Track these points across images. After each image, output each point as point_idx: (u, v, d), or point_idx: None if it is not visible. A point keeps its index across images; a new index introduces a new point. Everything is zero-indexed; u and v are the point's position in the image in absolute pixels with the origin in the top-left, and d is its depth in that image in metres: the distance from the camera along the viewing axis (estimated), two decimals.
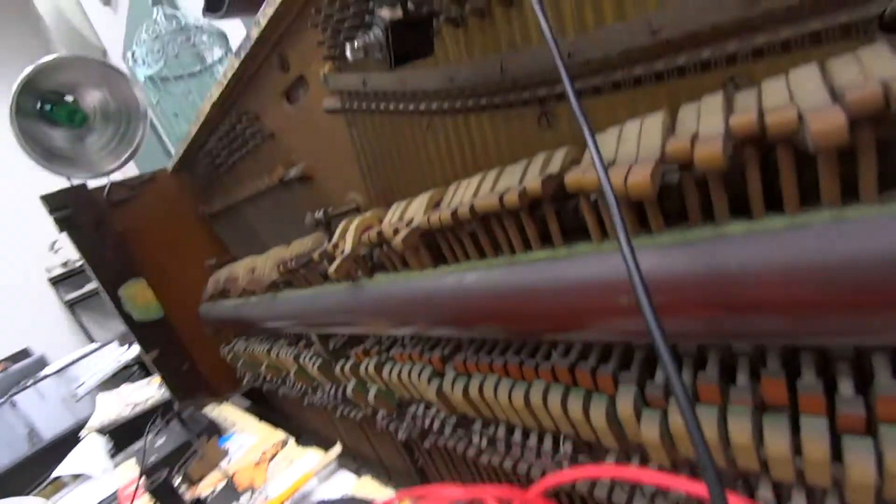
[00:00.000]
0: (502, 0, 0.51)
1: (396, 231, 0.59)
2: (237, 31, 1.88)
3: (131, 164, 1.51)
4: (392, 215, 0.69)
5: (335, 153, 0.88)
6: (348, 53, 0.48)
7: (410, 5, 0.48)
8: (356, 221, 0.68)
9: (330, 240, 0.84)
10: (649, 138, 0.38)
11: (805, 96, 0.33)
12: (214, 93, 1.04)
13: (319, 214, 0.85)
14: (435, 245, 0.60)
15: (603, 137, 0.46)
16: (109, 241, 1.45)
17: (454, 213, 0.51)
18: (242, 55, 0.89)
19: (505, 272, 0.47)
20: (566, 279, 0.40)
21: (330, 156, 0.90)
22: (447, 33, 0.59)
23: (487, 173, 0.57)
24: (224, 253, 1.56)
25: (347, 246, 0.67)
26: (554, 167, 0.48)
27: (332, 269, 0.64)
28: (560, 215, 0.48)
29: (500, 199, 0.46)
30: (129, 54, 1.65)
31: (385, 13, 0.48)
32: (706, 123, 0.36)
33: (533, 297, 0.42)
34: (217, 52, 1.68)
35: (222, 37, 1.64)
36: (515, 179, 0.51)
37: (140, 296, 1.45)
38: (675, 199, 0.39)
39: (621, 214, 0.27)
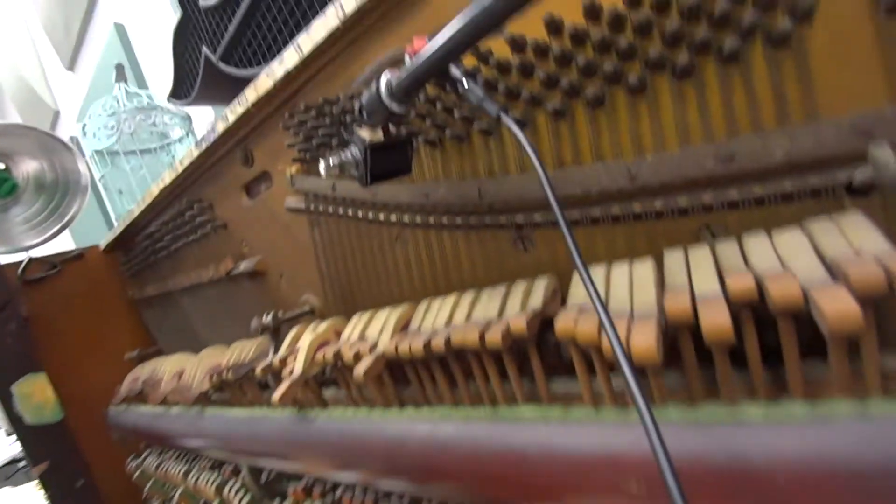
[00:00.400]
0: (482, 130, 0.51)
1: (358, 356, 0.52)
2: (202, 113, 1.88)
3: (69, 238, 1.37)
4: (352, 330, 0.62)
5: (293, 251, 0.83)
6: (322, 170, 0.45)
7: (392, 128, 0.47)
8: (309, 336, 0.61)
9: (277, 349, 0.76)
10: (643, 292, 0.36)
11: (800, 265, 0.32)
12: (167, 178, 0.98)
13: (268, 318, 0.76)
14: (400, 372, 0.53)
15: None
16: (11, 327, 1.25)
17: (427, 345, 0.46)
18: (204, 146, 0.85)
19: (487, 428, 0.41)
20: (561, 449, 0.35)
21: (287, 253, 0.84)
22: (425, 152, 0.58)
23: (461, 297, 0.53)
24: (149, 345, 1.39)
25: (298, 366, 0.59)
26: (536, 301, 0.45)
27: (276, 395, 0.55)
28: (540, 348, 0.44)
29: (481, 335, 0.42)
30: (80, 126, 1.57)
31: (365, 133, 0.46)
32: (701, 281, 0.34)
33: (520, 463, 0.36)
34: (178, 133, 1.65)
35: (186, 119, 1.61)
36: (493, 310, 0.47)
37: (37, 394, 1.23)
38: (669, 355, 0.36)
39: (643, 394, 0.23)
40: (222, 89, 1.02)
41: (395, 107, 0.41)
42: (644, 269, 0.39)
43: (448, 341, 0.45)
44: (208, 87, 1.09)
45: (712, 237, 0.46)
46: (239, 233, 0.94)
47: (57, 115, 3.93)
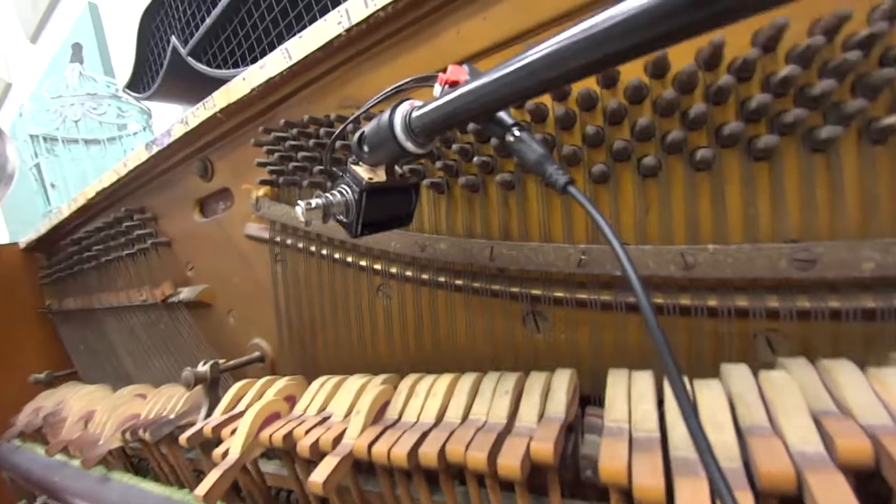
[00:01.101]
0: (504, 182, 0.42)
1: (316, 449, 0.41)
2: (168, 110, 1.71)
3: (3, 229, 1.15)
4: (311, 401, 0.50)
5: (248, 286, 0.70)
6: (300, 213, 0.34)
7: (399, 169, 0.37)
8: (256, 408, 0.48)
9: (212, 408, 0.62)
10: (720, 431, 0.27)
11: None
12: (105, 180, 0.83)
13: (204, 368, 0.62)
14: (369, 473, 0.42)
15: (616, 390, 0.35)
16: None
17: (413, 453, 0.35)
18: (155, 149, 0.72)
19: None
20: None
21: (240, 287, 0.71)
22: (427, 197, 0.49)
23: (458, 380, 0.43)
24: (63, 366, 1.18)
25: (234, 448, 0.46)
26: (557, 407, 0.36)
27: (201, 489, 0.42)
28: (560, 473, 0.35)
29: (491, 456, 0.32)
30: (20, 107, 1.38)
31: (362, 172, 0.36)
32: (792, 426, 0.26)
33: None
34: (135, 127, 1.48)
35: (144, 113, 1.45)
36: (502, 410, 0.37)
37: None
38: None
39: None
40: (188, 88, 0.89)
41: (410, 146, 0.31)
42: (711, 394, 0.30)
43: (442, 453, 0.34)
44: (172, 83, 0.96)
45: (770, 348, 0.38)
46: (185, 254, 0.80)
47: (9, 87, 3.59)
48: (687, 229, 0.38)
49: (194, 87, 0.86)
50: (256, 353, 0.70)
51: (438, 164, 0.45)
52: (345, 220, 0.37)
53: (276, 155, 0.56)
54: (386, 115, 0.31)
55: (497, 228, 0.45)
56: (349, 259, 0.55)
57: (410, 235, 0.49)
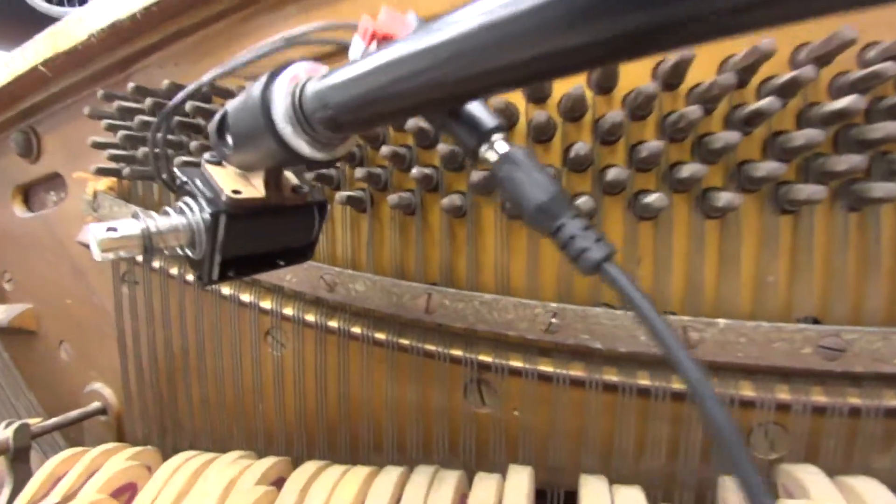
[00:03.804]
0: (453, 207, 0.30)
1: None
2: None
3: None
4: (161, 489, 0.34)
5: (85, 310, 0.51)
6: (91, 242, 0.19)
7: (288, 181, 0.23)
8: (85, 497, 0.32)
9: (16, 491, 0.43)
10: None
11: None
12: None
13: (6, 431, 0.43)
14: None
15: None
16: None
17: None
18: None
19: None
20: None
21: (75, 311, 0.52)
22: (341, 216, 0.35)
23: (371, 483, 0.30)
24: None
25: None
26: None
27: None
28: None
29: None
30: None
31: (225, 178, 0.21)
32: None
33: None
34: None
35: None
36: None
37: None
38: None
39: None
40: (23, 31, 0.65)
41: (303, 146, 0.18)
42: None
43: None
44: (5, 21, 0.71)
45: (769, 443, 0.30)
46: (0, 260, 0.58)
47: None
48: (689, 297, 0.28)
49: (28, 28, 0.63)
50: (95, 404, 0.51)
51: (360, 171, 0.32)
52: (192, 255, 0.22)
53: (121, 134, 0.39)
54: (258, 88, 0.17)
55: (438, 269, 0.33)
56: (226, 290, 0.40)
57: (315, 268, 0.35)
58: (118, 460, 0.40)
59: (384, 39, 0.16)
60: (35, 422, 0.47)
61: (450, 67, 0.12)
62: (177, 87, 0.38)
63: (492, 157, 0.15)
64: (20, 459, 0.45)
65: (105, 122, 0.40)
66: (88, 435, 0.53)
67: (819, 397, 0.28)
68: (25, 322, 0.56)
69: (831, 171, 0.25)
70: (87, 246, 0.47)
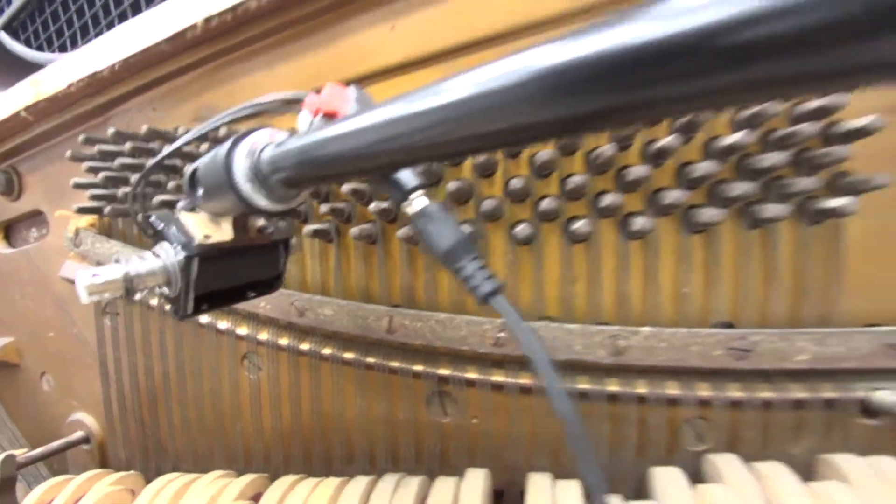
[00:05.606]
0: (409, 237, 0.33)
1: None
2: None
3: None
4: None
5: (67, 342, 0.52)
6: (81, 289, 0.22)
7: (258, 221, 0.27)
8: None
9: None
10: None
11: None
12: None
13: None
14: None
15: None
16: None
17: None
18: None
19: None
20: None
21: (57, 343, 0.54)
22: (309, 248, 0.38)
23: (342, 493, 0.33)
24: None
25: None
26: None
27: None
28: None
29: None
30: None
31: (197, 225, 0.25)
32: None
33: None
34: None
35: None
36: None
37: None
38: None
39: None
40: (5, 74, 0.68)
41: (261, 200, 0.21)
42: None
43: None
44: None
45: (696, 436, 0.34)
46: None
47: None
48: (618, 309, 0.32)
49: (11, 74, 0.65)
50: (78, 433, 0.52)
51: (325, 206, 0.35)
52: (168, 293, 0.25)
53: (102, 175, 0.42)
54: (223, 150, 0.21)
55: (398, 292, 0.36)
56: (205, 318, 0.42)
57: (286, 295, 0.38)
58: (102, 486, 0.42)
59: (327, 115, 0.20)
60: (20, 452, 0.48)
61: (370, 150, 0.16)
62: (155, 133, 0.41)
63: (411, 211, 0.19)
64: (6, 490, 0.46)
65: (86, 164, 0.43)
66: (72, 464, 0.54)
67: (736, 392, 0.32)
68: (7, 355, 0.57)
69: (729, 196, 0.29)
70: (70, 281, 0.49)
